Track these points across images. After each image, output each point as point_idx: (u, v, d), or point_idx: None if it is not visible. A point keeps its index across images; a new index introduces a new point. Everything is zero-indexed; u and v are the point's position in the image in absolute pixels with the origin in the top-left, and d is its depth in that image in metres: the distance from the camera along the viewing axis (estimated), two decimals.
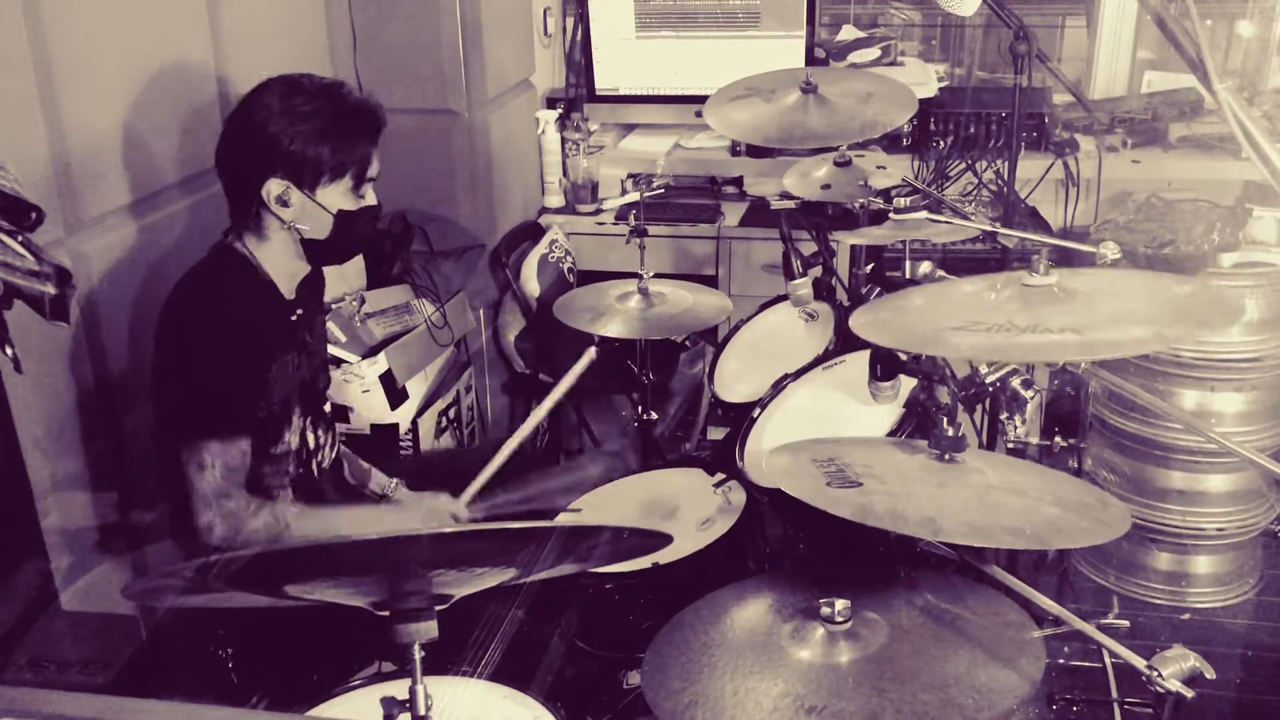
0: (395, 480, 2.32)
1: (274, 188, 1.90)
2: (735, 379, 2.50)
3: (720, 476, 2.27)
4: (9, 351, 1.26)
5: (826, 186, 2.46)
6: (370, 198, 2.00)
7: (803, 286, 2.35)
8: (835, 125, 2.37)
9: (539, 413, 2.36)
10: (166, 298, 1.98)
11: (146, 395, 2.15)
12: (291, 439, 2.05)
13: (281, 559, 1.28)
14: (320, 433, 2.16)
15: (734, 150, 3.65)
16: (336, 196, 1.94)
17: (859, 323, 1.64)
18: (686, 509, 2.23)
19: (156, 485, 2.14)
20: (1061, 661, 2.10)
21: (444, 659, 1.64)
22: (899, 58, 3.68)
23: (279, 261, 1.99)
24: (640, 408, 2.69)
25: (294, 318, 2.05)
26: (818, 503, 1.46)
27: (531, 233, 3.47)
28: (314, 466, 2.15)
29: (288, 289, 2.03)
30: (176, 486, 1.98)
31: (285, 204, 1.92)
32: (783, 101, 2.43)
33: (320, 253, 2.01)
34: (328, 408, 2.23)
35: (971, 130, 3.34)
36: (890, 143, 3.41)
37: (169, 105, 2.24)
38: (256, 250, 1.97)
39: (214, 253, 2.00)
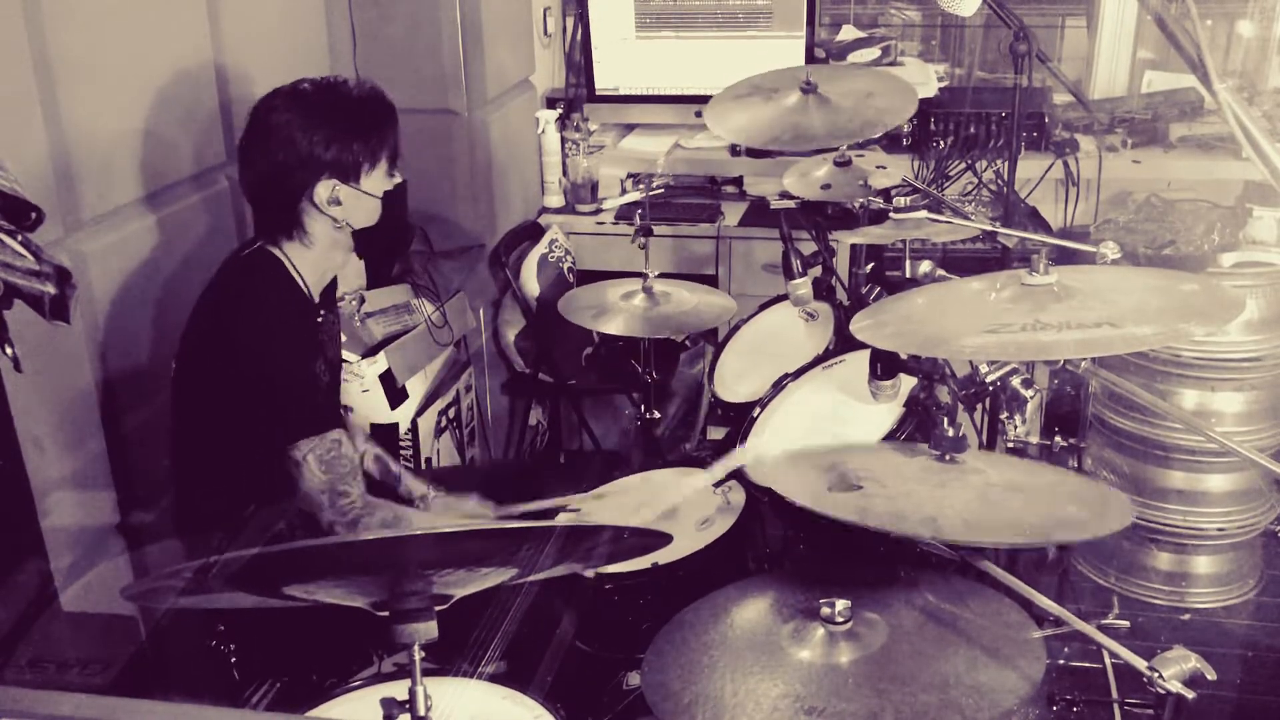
0: (429, 487, 2.32)
1: (323, 191, 1.95)
2: (735, 379, 2.50)
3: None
4: (9, 351, 1.26)
5: (826, 186, 2.45)
6: (398, 175, 2.07)
7: (803, 286, 2.35)
8: (836, 125, 2.37)
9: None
10: (200, 306, 2.01)
11: (147, 395, 2.15)
12: None
13: (281, 559, 1.27)
14: None
15: (734, 150, 3.64)
16: (378, 181, 2.01)
17: (860, 327, 1.64)
18: (686, 509, 2.23)
19: (156, 485, 2.14)
20: (1061, 662, 2.09)
21: (444, 659, 1.64)
22: (899, 58, 3.68)
23: (315, 263, 2.04)
24: (641, 407, 2.69)
25: (319, 320, 2.09)
26: (818, 507, 1.46)
27: (531, 232, 3.47)
28: None
29: (315, 292, 2.07)
30: (191, 487, 2.01)
31: (338, 203, 1.97)
32: (783, 102, 2.42)
33: (372, 238, 2.06)
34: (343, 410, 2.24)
35: (971, 130, 3.33)
36: (890, 143, 3.41)
37: (169, 105, 2.24)
38: (293, 255, 2.01)
39: (250, 260, 2.01)
